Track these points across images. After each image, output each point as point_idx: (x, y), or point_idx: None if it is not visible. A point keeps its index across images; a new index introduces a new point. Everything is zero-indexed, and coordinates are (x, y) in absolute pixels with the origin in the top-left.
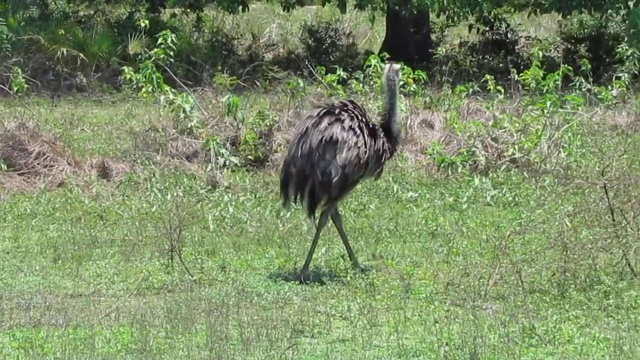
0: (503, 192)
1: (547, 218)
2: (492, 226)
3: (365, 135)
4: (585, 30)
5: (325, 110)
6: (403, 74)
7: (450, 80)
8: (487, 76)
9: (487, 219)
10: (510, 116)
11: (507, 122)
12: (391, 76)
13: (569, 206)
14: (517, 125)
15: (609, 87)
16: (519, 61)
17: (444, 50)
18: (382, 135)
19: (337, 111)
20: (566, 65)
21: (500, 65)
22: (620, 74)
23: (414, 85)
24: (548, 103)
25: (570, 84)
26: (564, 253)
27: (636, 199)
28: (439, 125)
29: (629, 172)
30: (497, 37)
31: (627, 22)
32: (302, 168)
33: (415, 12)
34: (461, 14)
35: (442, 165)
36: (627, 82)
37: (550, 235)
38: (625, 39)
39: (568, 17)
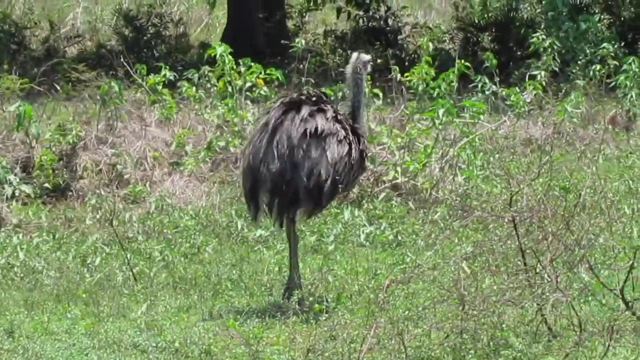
0: (382, 228)
1: (438, 262)
2: (366, 273)
3: (350, 132)
4: (490, 15)
5: (299, 99)
6: (250, 72)
7: (313, 80)
8: None
9: (360, 264)
10: (391, 128)
11: (386, 136)
12: (358, 68)
13: (467, 246)
14: (399, 140)
15: (521, 88)
16: (403, 56)
17: (303, 41)
18: (364, 137)
19: (314, 99)
20: (463, 61)
21: (379, 61)
22: (535, 72)
23: (264, 88)
24: (440, 111)
25: (470, 86)
26: (461, 308)
27: (554, 236)
28: None
29: (545, 202)
30: (373, 24)
31: (543, 2)
32: (280, 171)
33: None
34: None
35: None
36: (544, 83)
37: (443, 284)
38: (542, 26)
39: None
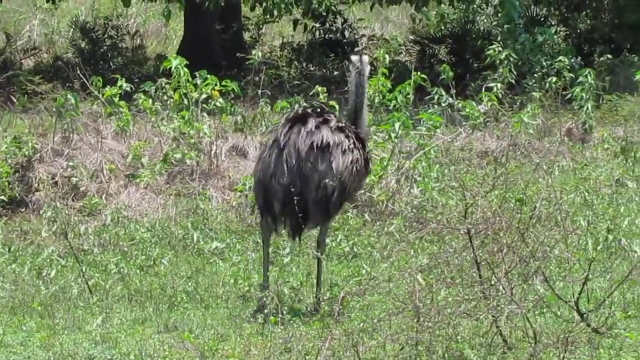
0: (338, 240)
1: (394, 274)
2: (322, 285)
3: (355, 139)
4: (446, 27)
5: (304, 113)
6: (206, 84)
7: (269, 93)
8: (318, 88)
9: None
10: None
11: None
12: (362, 70)
13: (423, 258)
14: None
15: (477, 100)
16: None
17: (260, 53)
18: (367, 145)
19: (318, 110)
20: (419, 73)
21: (335, 73)
22: (491, 84)
23: (220, 100)
24: (396, 124)
25: (427, 98)
26: (416, 320)
27: (509, 248)
28: (254, 153)
29: (500, 214)
30: (330, 36)
31: (500, 15)
32: (291, 184)
33: (222, 5)
34: (283, 6)
35: None
36: (500, 95)
37: (399, 296)
38: (498, 38)
39: (424, 9)
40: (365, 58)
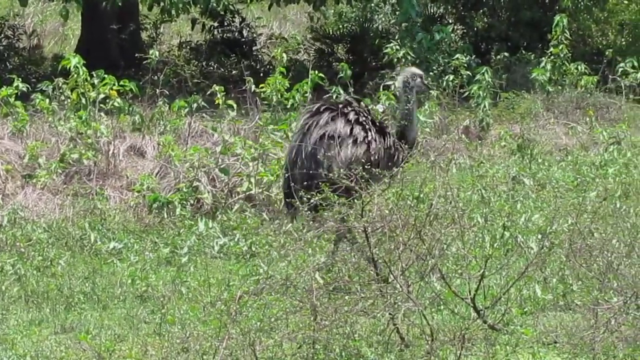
0: (236, 239)
1: (291, 273)
2: (220, 285)
3: (374, 131)
4: (345, 26)
5: (325, 106)
6: (103, 84)
7: (167, 92)
8: (216, 87)
9: (214, 276)
10: (244, 140)
11: (240, 147)
12: (409, 82)
13: (320, 257)
14: (253, 151)
15: (375, 99)
16: (258, 67)
17: (158, 53)
18: (393, 135)
19: (340, 106)
20: (317, 72)
21: (234, 72)
22: (389, 82)
23: (118, 100)
24: (293, 123)
25: (325, 96)
26: (314, 319)
27: (406, 246)
28: (152, 153)
29: (396, 212)
30: (228, 35)
31: (397, 13)
32: (307, 168)
33: (120, 4)
34: (181, 5)
35: (155, 205)
36: (397, 93)
37: (296, 295)
38: (396, 36)
39: (322, 8)
40: (416, 70)
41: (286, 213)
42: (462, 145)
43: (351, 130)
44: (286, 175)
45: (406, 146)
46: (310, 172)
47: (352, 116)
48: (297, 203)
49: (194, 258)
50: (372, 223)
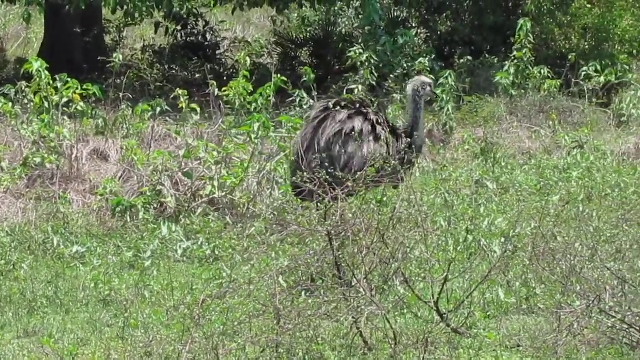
0: (199, 243)
1: (254, 277)
2: (183, 289)
3: (388, 132)
4: (308, 30)
5: (343, 102)
6: (66, 88)
7: (130, 96)
8: (179, 91)
9: (177, 280)
10: (207, 143)
11: (203, 151)
12: (419, 91)
13: (284, 261)
14: (216, 155)
15: None
16: (221, 70)
17: (121, 56)
18: (404, 138)
19: (357, 105)
20: (280, 76)
21: (197, 76)
22: (352, 86)
23: (81, 104)
24: (256, 125)
25: (288, 100)
26: (277, 322)
27: (369, 250)
28: (115, 157)
29: (360, 215)
30: (192, 38)
31: (361, 17)
32: (321, 162)
33: (83, 8)
34: (144, 9)
35: (118, 209)
36: (361, 96)
37: (259, 299)
38: (360, 40)
39: (285, 12)
40: (425, 79)
41: (300, 198)
42: (426, 149)
43: (373, 127)
44: (294, 166)
45: (414, 150)
46: (325, 168)
47: (372, 115)
48: (310, 186)
49: (157, 262)
50: (335, 227)
